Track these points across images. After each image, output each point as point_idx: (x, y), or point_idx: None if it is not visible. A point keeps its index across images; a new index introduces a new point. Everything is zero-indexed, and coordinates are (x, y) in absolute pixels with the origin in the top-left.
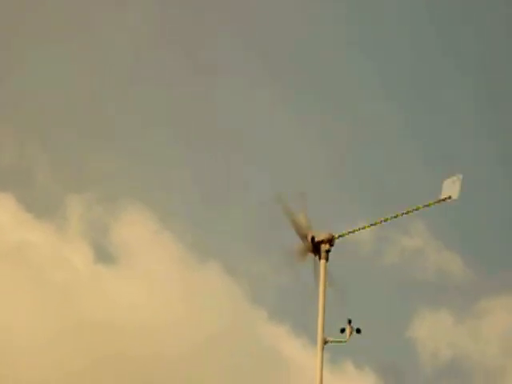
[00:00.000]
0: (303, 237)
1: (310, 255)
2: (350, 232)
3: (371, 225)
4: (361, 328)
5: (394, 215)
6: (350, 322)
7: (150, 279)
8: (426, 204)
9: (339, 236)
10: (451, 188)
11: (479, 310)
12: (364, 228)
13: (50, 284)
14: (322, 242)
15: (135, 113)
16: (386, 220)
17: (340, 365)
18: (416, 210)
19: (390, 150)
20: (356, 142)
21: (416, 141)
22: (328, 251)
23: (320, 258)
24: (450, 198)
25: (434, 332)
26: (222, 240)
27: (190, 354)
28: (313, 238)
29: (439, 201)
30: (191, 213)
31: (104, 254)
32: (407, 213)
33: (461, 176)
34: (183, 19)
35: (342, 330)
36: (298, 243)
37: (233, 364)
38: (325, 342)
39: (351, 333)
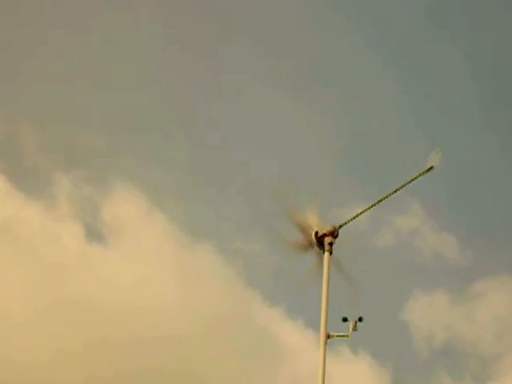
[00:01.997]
0: (305, 231)
1: (315, 249)
2: (350, 219)
3: (368, 208)
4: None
5: (386, 194)
6: (360, 319)
7: (142, 259)
8: (413, 178)
9: (340, 226)
10: (434, 159)
11: (475, 292)
12: (362, 212)
13: (40, 262)
14: (325, 235)
15: (128, 93)
16: (381, 200)
17: (335, 348)
18: (405, 185)
19: (389, 137)
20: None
21: (418, 130)
22: (331, 244)
23: (324, 252)
24: (431, 168)
25: (429, 314)
26: (215, 220)
27: (183, 336)
28: (316, 232)
29: (423, 173)
30: (183, 192)
31: (94, 233)
32: (398, 189)
33: (441, 146)
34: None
35: (345, 320)
36: (299, 237)
37: (228, 346)
38: (328, 337)
39: (354, 327)
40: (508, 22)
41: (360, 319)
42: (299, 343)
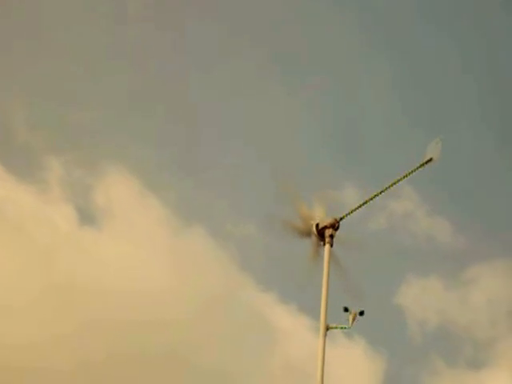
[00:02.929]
0: (306, 221)
1: (312, 238)
2: (351, 212)
3: (368, 200)
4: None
5: (386, 186)
6: (362, 313)
7: (134, 242)
8: (412, 170)
9: (341, 219)
10: (433, 150)
11: (468, 277)
12: (361, 205)
13: (32, 245)
14: (326, 227)
15: (115, 79)
16: (380, 193)
17: (329, 332)
18: (404, 177)
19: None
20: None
21: (411, 116)
22: (332, 236)
23: (324, 244)
24: (431, 160)
25: (423, 299)
26: (207, 202)
27: (176, 319)
28: (317, 224)
29: (422, 164)
30: (174, 174)
31: (86, 216)
32: (397, 182)
33: (441, 137)
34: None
35: (346, 309)
36: (298, 223)
37: (220, 329)
38: (327, 329)
39: (354, 319)
40: (505, 14)
41: (361, 313)
42: (292, 327)
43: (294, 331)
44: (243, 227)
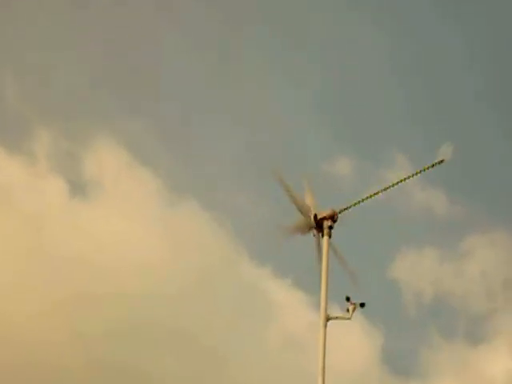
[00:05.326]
0: (305, 214)
1: (312, 231)
2: (351, 206)
3: (373, 195)
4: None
5: (392, 183)
6: (348, 299)
7: (127, 215)
8: (423, 168)
9: (340, 211)
10: (445, 152)
11: (464, 248)
12: (365, 199)
13: (23, 216)
14: (325, 218)
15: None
16: (386, 189)
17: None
18: (415, 175)
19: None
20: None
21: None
22: (331, 227)
23: (323, 235)
24: (442, 161)
25: (418, 271)
26: (199, 175)
27: (171, 293)
28: (315, 216)
29: (434, 164)
30: (164, 147)
31: (77, 188)
32: (405, 179)
33: (451, 143)
34: None
35: (348, 299)
36: (298, 219)
37: (216, 303)
38: (327, 319)
39: (354, 309)
40: None
41: (362, 305)
42: (287, 301)
43: (290, 305)
44: (236, 200)
